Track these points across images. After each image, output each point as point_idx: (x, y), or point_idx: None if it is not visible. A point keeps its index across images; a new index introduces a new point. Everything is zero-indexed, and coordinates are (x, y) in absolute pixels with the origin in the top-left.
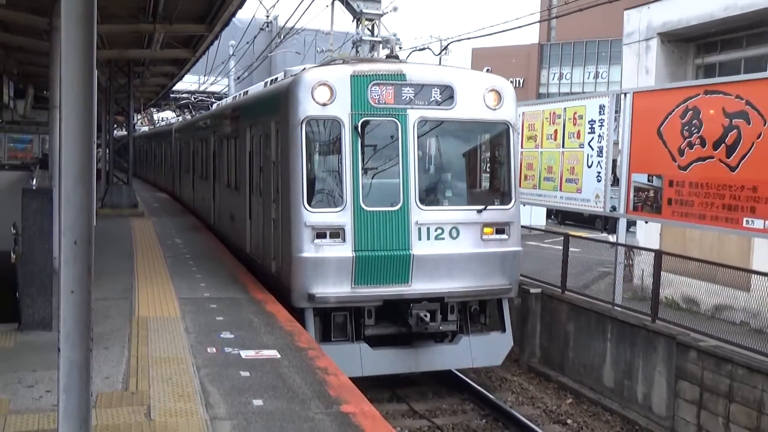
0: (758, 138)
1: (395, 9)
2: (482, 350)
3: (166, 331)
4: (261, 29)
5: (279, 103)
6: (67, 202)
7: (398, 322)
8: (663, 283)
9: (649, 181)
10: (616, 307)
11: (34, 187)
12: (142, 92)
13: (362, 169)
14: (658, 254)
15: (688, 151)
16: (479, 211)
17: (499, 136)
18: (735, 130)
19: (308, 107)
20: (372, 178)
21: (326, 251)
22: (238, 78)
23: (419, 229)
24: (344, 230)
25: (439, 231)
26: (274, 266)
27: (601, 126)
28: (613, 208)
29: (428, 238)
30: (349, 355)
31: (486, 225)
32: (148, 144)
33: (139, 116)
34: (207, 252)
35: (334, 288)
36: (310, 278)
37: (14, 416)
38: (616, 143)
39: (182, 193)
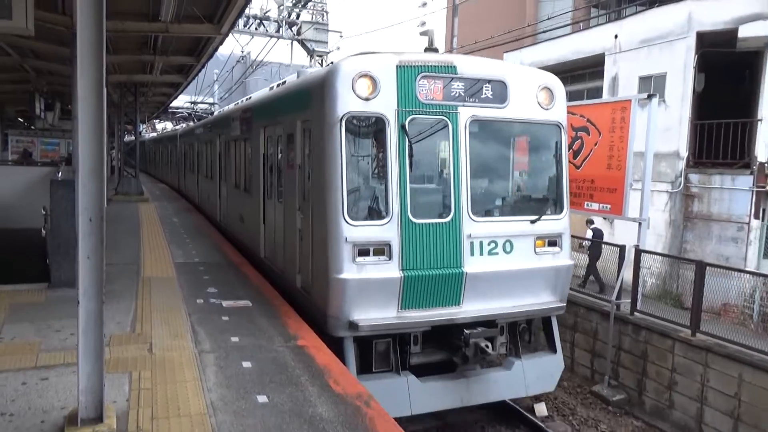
0: (595, 145)
1: (338, 48)
2: (535, 375)
3: (165, 287)
4: (237, 61)
5: (309, 98)
6: (84, 190)
7: (445, 347)
8: None
9: None
10: None
11: (59, 179)
12: (146, 107)
13: (410, 174)
14: None
15: None
16: (533, 222)
17: (551, 138)
18: (579, 140)
19: (348, 102)
20: (420, 185)
21: (370, 271)
22: (221, 98)
23: (471, 243)
24: (390, 246)
25: (493, 245)
26: (300, 281)
27: None
28: None
29: (481, 254)
30: (395, 389)
31: (538, 237)
32: (156, 147)
33: (144, 126)
34: (197, 228)
35: (378, 313)
36: (351, 303)
37: (45, 353)
38: None
39: (187, 188)
